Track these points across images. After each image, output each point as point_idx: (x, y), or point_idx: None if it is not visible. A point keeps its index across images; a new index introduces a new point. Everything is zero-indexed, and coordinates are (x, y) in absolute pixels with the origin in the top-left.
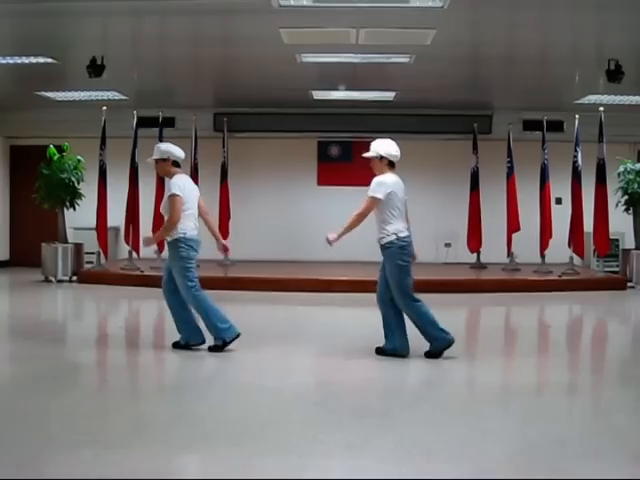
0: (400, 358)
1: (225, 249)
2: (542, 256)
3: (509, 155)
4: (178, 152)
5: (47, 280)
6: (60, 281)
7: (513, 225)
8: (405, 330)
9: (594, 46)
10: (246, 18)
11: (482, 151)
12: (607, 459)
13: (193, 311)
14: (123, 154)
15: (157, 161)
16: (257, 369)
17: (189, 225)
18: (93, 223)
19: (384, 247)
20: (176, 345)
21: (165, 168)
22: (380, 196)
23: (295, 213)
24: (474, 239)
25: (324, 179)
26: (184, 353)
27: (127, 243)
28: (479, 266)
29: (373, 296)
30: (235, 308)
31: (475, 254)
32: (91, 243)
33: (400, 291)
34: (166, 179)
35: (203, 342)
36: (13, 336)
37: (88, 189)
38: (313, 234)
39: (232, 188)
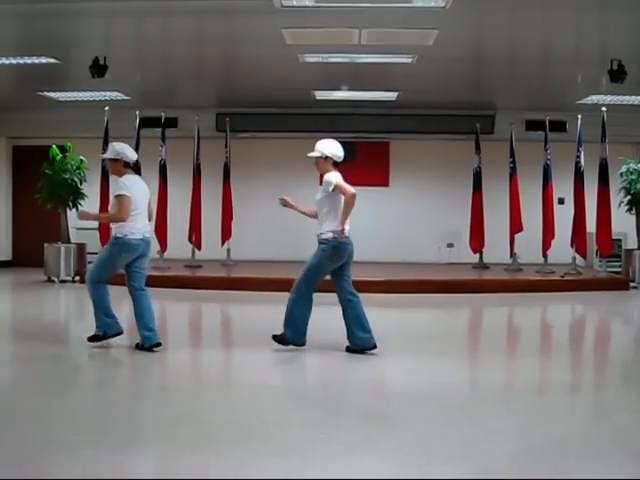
0: (404, 357)
1: None
2: (545, 256)
3: (512, 155)
4: (131, 154)
5: (50, 280)
6: (63, 281)
7: (516, 225)
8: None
9: (597, 46)
10: (248, 18)
11: (484, 151)
12: (609, 459)
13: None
14: None
15: (110, 160)
16: (259, 369)
17: (134, 227)
18: (95, 223)
19: (320, 242)
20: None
21: (117, 168)
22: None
23: (298, 213)
24: (477, 239)
25: None
26: (186, 353)
27: None
28: (482, 266)
29: (376, 296)
30: (238, 308)
31: (478, 254)
32: (93, 243)
33: (305, 280)
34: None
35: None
36: (15, 336)
37: (90, 189)
38: (316, 234)
39: (234, 188)
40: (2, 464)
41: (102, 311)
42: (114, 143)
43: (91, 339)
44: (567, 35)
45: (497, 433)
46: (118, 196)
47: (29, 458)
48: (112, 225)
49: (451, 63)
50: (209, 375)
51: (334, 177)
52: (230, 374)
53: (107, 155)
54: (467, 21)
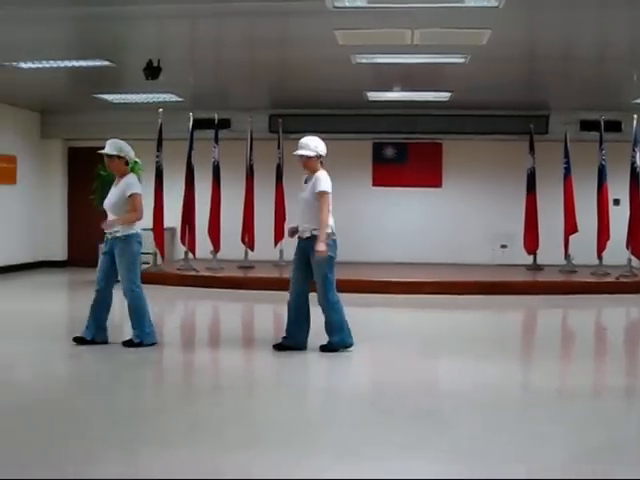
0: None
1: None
2: (599, 258)
3: (566, 156)
4: (132, 153)
5: None
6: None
7: (570, 227)
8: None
9: None
10: (301, 20)
11: (539, 152)
12: None
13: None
14: (179, 156)
15: (112, 157)
16: (311, 370)
17: (140, 223)
18: (149, 224)
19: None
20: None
21: (120, 166)
22: (330, 190)
23: (350, 214)
24: (531, 240)
25: (379, 180)
26: (238, 353)
27: (183, 244)
28: (535, 268)
29: (425, 298)
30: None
31: (532, 255)
32: (146, 244)
33: (326, 289)
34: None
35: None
36: (69, 335)
37: (145, 191)
38: (368, 235)
39: (287, 189)
40: (55, 462)
41: (144, 321)
42: (114, 140)
43: (126, 344)
44: (622, 33)
45: (549, 436)
46: (133, 195)
47: (80, 456)
48: (118, 225)
49: (505, 63)
50: (261, 375)
51: (327, 184)
52: (281, 374)
53: (112, 152)
54: (521, 20)
